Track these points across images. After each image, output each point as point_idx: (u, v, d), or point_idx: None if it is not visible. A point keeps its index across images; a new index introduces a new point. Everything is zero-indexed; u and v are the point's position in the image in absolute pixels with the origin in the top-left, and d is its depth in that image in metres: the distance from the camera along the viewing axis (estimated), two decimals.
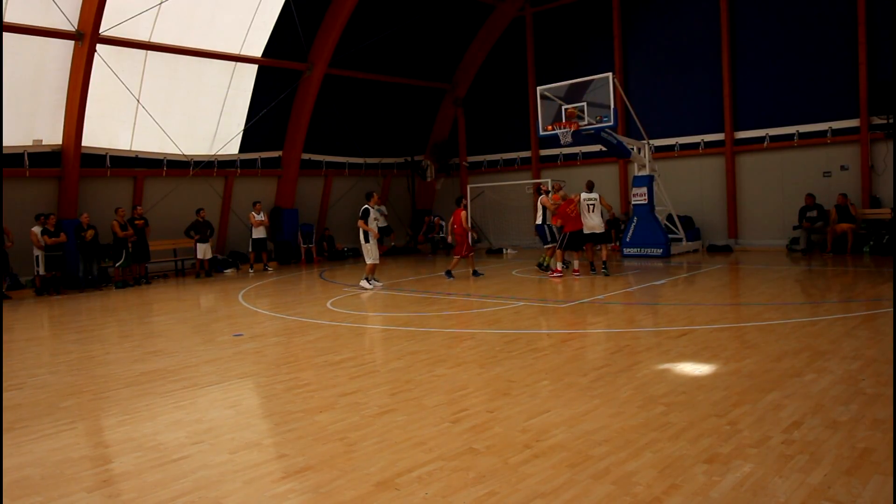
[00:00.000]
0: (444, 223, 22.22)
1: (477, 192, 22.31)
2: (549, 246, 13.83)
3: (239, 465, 4.16)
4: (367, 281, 12.67)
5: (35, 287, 14.34)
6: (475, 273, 13.77)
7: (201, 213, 16.62)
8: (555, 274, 12.86)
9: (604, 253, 13.35)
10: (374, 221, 12.72)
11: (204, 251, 16.43)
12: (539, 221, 14.00)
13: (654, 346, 6.94)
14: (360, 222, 12.52)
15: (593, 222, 12.98)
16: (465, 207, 13.68)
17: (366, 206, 12.59)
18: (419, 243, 22.10)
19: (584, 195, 13.08)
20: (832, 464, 3.72)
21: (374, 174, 22.37)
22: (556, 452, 4.09)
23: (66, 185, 15.25)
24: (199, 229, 16.39)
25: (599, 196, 13.20)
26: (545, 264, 13.96)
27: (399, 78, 21.42)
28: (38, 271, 14.27)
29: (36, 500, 3.77)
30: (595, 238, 13.19)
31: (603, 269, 13.10)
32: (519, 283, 12.68)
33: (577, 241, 12.73)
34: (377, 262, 12.76)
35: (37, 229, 14.07)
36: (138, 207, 15.99)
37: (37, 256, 14.15)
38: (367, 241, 12.56)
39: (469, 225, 13.60)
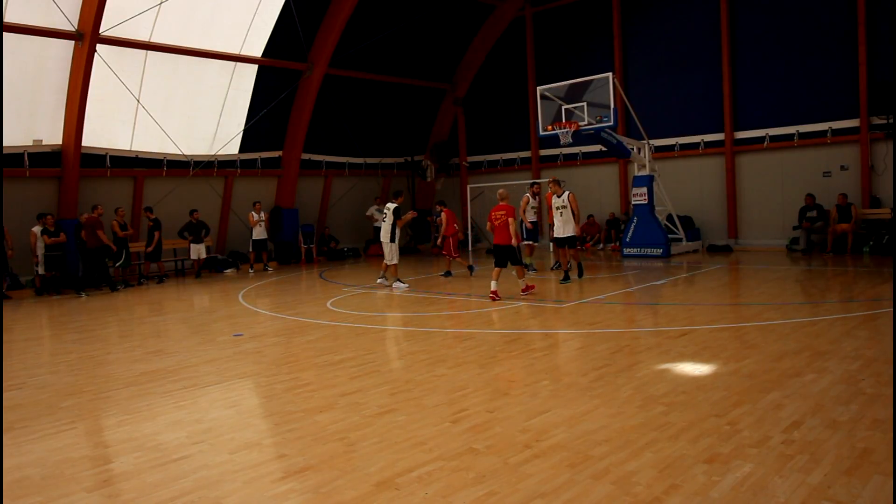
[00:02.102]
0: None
1: (477, 192, 22.34)
2: (527, 243, 14.06)
3: (239, 465, 4.16)
4: (401, 281, 12.69)
5: (35, 287, 14.35)
6: (448, 274, 13.92)
7: (195, 214, 16.66)
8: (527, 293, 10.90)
9: (563, 258, 12.55)
10: (377, 222, 12.88)
11: (198, 252, 16.49)
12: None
13: (654, 346, 6.94)
14: (399, 222, 12.52)
15: (556, 225, 12.26)
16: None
17: (396, 204, 12.65)
18: (435, 245, 21.96)
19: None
20: (832, 464, 3.72)
21: (374, 174, 22.38)
22: (556, 452, 4.09)
23: (66, 185, 15.25)
24: (193, 230, 16.45)
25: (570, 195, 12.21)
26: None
27: (399, 78, 21.42)
28: (37, 271, 14.28)
29: (36, 500, 3.78)
30: (562, 242, 12.39)
31: (563, 277, 12.25)
32: (519, 283, 12.66)
33: (497, 256, 10.83)
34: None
35: (37, 229, 14.09)
36: (147, 211, 16.07)
37: (37, 255, 14.15)
38: (393, 240, 12.58)
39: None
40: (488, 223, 10.96)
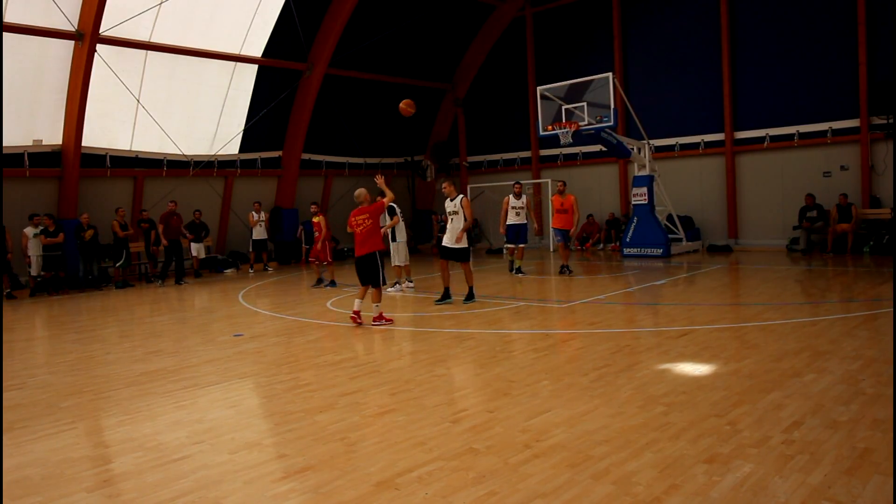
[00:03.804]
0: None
1: (477, 192, 22.34)
2: (510, 245, 13.58)
3: (239, 465, 4.16)
4: (399, 283, 12.21)
5: (29, 287, 14.30)
6: (320, 283, 13.34)
7: (196, 213, 16.69)
8: (381, 322, 8.74)
9: (444, 272, 10.43)
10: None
11: (198, 251, 16.53)
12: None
13: (654, 346, 6.94)
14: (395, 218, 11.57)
15: (446, 234, 10.45)
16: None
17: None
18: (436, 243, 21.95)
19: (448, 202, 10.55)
20: (832, 464, 3.72)
21: (375, 174, 22.33)
22: (556, 452, 4.09)
23: (66, 185, 15.26)
24: (194, 230, 16.47)
25: (464, 199, 10.33)
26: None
27: (399, 78, 21.42)
28: (29, 272, 14.22)
29: (36, 500, 3.77)
30: (447, 253, 10.43)
31: (446, 296, 10.31)
32: (519, 283, 12.68)
33: (360, 271, 8.89)
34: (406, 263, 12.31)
35: (28, 230, 13.99)
36: (145, 212, 16.09)
37: (29, 256, 14.10)
38: (395, 239, 11.99)
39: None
40: (348, 228, 9.02)
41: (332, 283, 13.38)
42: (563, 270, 13.23)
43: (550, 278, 13.24)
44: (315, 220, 13.58)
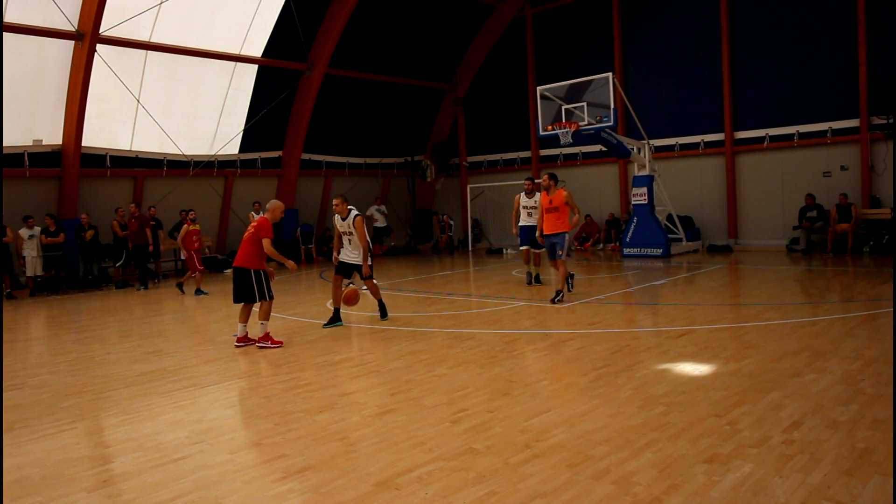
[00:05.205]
0: (452, 222, 22.25)
1: (477, 192, 22.36)
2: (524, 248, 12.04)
3: (239, 465, 4.16)
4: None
5: (29, 288, 14.30)
6: (199, 292, 12.97)
7: (182, 213, 16.60)
8: (268, 343, 7.72)
9: (352, 289, 8.92)
10: (377, 222, 12.48)
11: None
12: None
13: (654, 346, 6.94)
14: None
15: (343, 250, 9.05)
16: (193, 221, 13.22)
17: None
18: (442, 246, 21.88)
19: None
20: (832, 464, 3.72)
21: (374, 174, 22.39)
22: (556, 452, 4.09)
23: (66, 185, 15.26)
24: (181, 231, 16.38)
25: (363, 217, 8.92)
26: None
27: (399, 78, 21.43)
28: (25, 272, 14.18)
29: (36, 500, 3.77)
30: (344, 268, 9.00)
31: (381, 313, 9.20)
32: (519, 283, 12.67)
33: (236, 285, 7.87)
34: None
35: (23, 231, 13.96)
36: (152, 208, 16.04)
37: (24, 257, 14.08)
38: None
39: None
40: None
41: (199, 292, 13.05)
42: (558, 296, 9.92)
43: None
44: (195, 227, 13.14)
